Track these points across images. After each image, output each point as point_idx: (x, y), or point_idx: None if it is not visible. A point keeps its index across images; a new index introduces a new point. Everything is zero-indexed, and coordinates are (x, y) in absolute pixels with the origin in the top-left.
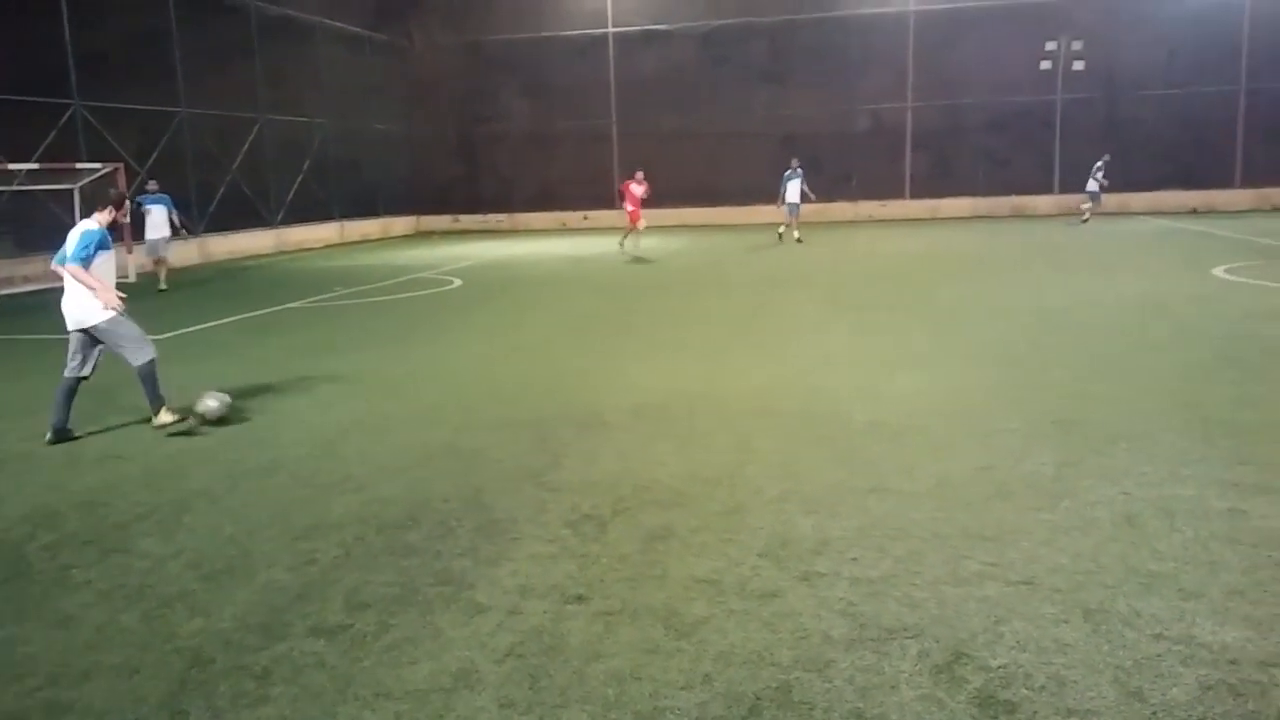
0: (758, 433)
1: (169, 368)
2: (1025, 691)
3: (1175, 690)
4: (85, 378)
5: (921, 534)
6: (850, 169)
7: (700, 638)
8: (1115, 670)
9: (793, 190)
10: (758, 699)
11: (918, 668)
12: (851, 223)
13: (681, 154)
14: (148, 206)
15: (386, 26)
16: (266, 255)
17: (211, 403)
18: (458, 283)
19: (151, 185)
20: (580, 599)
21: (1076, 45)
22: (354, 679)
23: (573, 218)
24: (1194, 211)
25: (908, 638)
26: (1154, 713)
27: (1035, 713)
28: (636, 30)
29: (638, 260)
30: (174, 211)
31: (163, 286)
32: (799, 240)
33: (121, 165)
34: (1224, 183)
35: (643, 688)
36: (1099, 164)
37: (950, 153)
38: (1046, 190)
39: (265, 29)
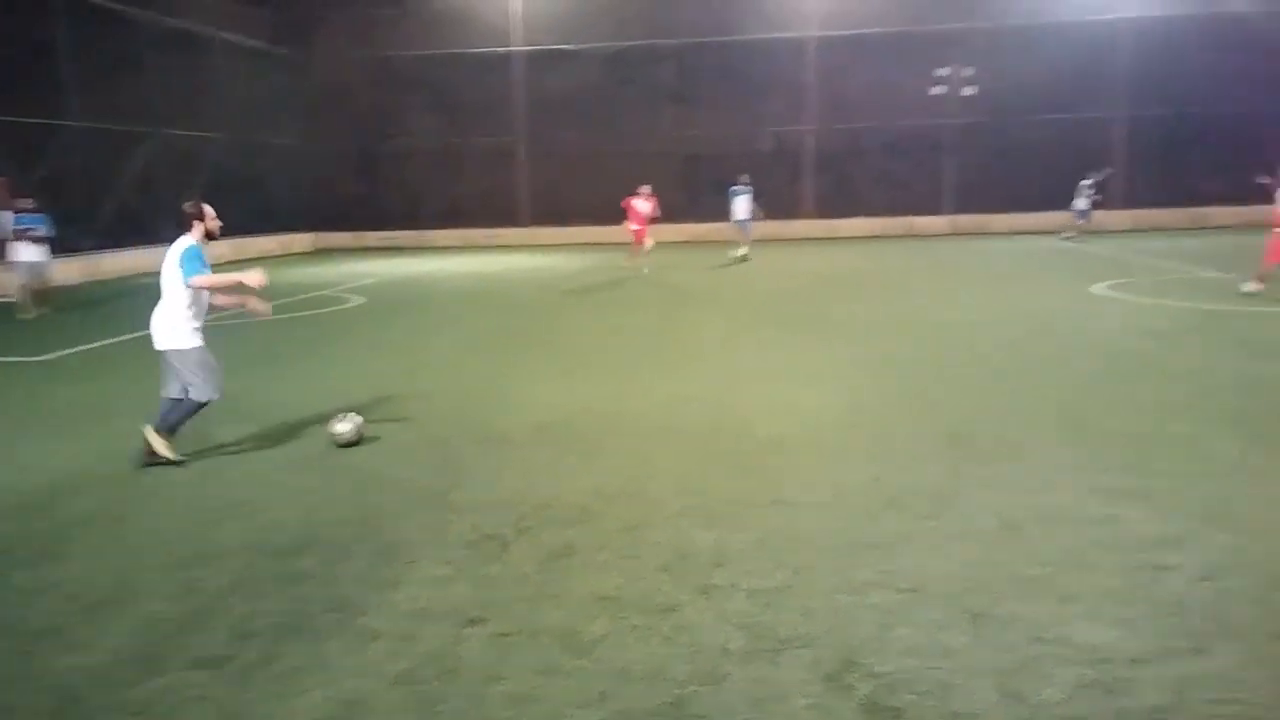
0: (661, 449)
1: (52, 388)
2: (911, 696)
3: (1051, 690)
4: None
5: (817, 544)
6: (756, 189)
7: (599, 655)
8: (996, 673)
9: (741, 206)
10: (652, 715)
11: (809, 677)
12: (756, 241)
13: (590, 173)
14: (22, 226)
15: (287, 40)
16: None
17: (344, 426)
18: (359, 300)
19: (27, 203)
20: (478, 621)
21: (967, 72)
22: (238, 712)
23: (479, 235)
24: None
25: (801, 647)
26: (1032, 713)
27: (920, 717)
28: (544, 49)
29: (582, 283)
30: (47, 229)
31: (29, 314)
32: (744, 258)
33: (4, 180)
34: (1104, 204)
35: (540, 709)
36: (1086, 182)
37: (849, 174)
38: (937, 211)
39: (160, 41)
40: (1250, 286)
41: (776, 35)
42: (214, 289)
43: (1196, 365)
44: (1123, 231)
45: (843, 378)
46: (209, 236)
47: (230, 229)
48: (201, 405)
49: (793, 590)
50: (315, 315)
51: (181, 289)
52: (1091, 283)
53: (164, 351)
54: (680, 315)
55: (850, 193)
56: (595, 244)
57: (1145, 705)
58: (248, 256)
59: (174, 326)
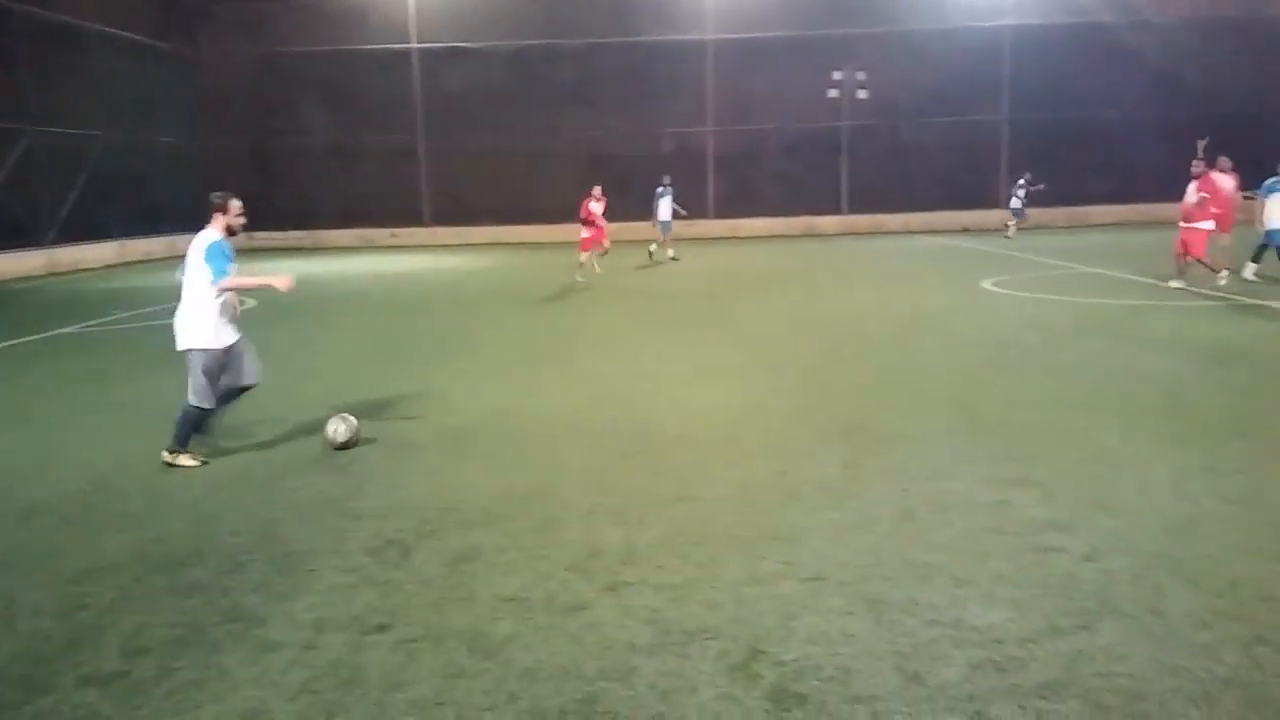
0: (570, 448)
1: None
2: (815, 683)
3: (948, 671)
4: (247, 387)
5: (723, 538)
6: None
7: (506, 657)
8: (896, 656)
9: (664, 208)
10: (562, 713)
11: (717, 668)
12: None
13: (491, 172)
14: None
15: (172, 35)
16: (37, 277)
17: (340, 426)
18: (250, 303)
19: None
20: (381, 628)
21: (860, 75)
22: None
23: (379, 235)
24: (966, 230)
25: (708, 639)
26: (930, 694)
27: (824, 703)
28: (442, 47)
29: (469, 278)
30: None
31: None
32: (674, 258)
33: None
34: (991, 203)
35: (446, 713)
36: (1020, 181)
37: (749, 175)
38: (835, 211)
39: (34, 35)
40: (1222, 280)
41: (676, 37)
42: (241, 290)
43: (1080, 358)
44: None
45: (748, 374)
46: (229, 232)
47: (111, 231)
48: (202, 410)
49: (700, 584)
50: None
51: (208, 288)
52: (981, 279)
53: (184, 352)
54: (589, 314)
55: (751, 193)
56: (499, 244)
57: (1037, 682)
58: (131, 260)
59: (197, 324)
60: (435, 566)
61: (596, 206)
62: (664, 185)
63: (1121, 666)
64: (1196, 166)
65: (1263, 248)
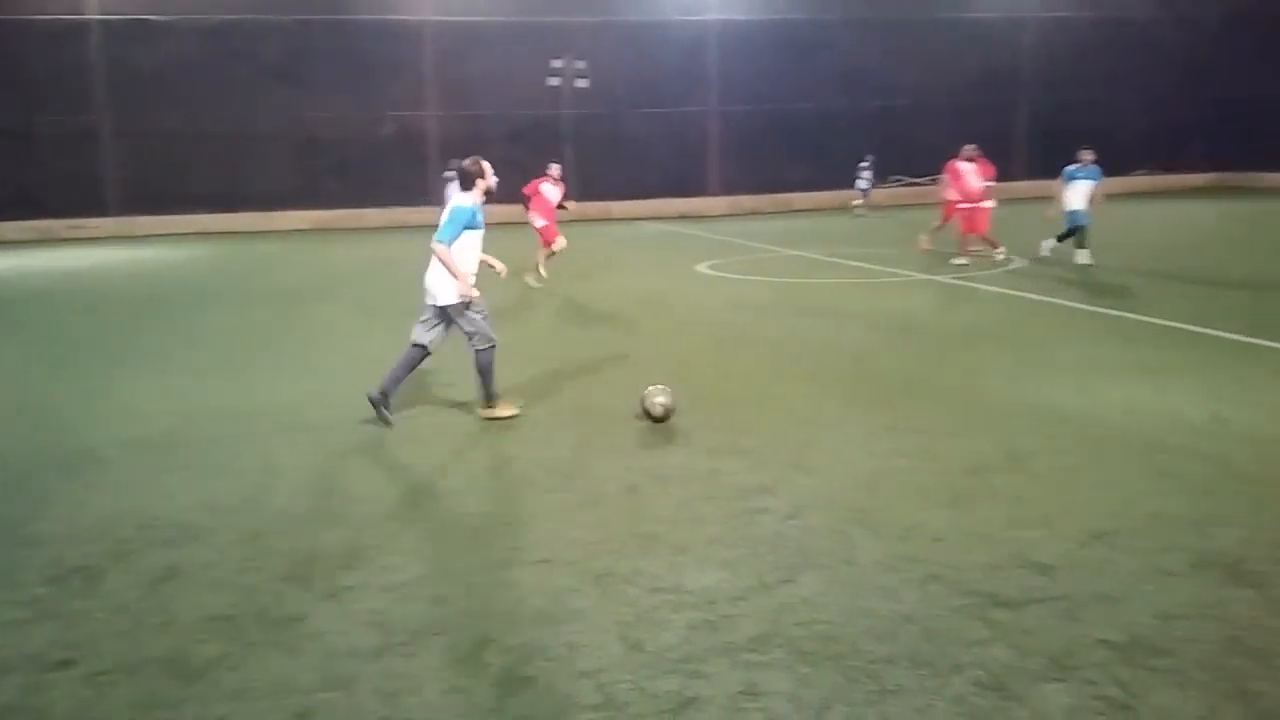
0: (284, 450)
1: None
2: (543, 664)
3: (667, 635)
4: (428, 350)
5: (452, 531)
6: (378, 177)
7: (212, 679)
8: (620, 627)
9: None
10: None
11: (444, 662)
12: (379, 230)
13: (190, 157)
14: None
15: None
16: None
17: (663, 399)
18: None
19: None
20: (65, 664)
21: (580, 64)
22: None
23: (58, 226)
24: (682, 217)
25: (435, 635)
26: (651, 659)
27: (551, 682)
28: (128, 19)
29: (161, 274)
30: None
31: None
32: None
33: None
34: (704, 191)
35: None
36: (863, 163)
37: None
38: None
39: None
40: (999, 254)
41: (390, 17)
42: (445, 266)
43: (783, 333)
44: (720, 216)
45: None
46: (488, 194)
47: None
48: (491, 349)
49: (427, 580)
50: None
51: (438, 247)
52: (696, 263)
53: (443, 307)
54: (302, 308)
55: None
56: (204, 234)
57: (747, 636)
58: None
59: (443, 281)
60: (130, 591)
61: (551, 190)
62: (451, 169)
63: (820, 614)
64: (966, 152)
65: (1071, 230)
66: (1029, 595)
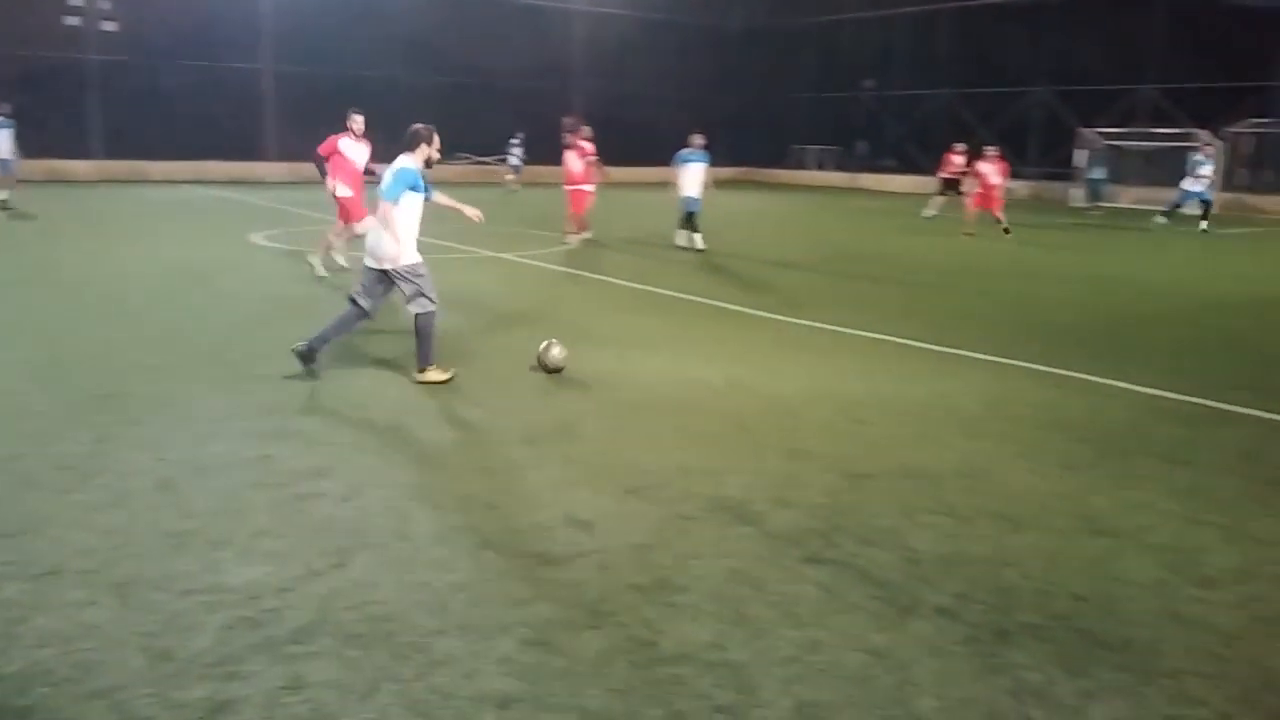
0: None
1: None
2: (44, 689)
3: (200, 639)
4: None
5: None
6: None
7: None
8: (143, 637)
9: (3, 143)
10: None
11: None
12: None
13: None
14: None
15: None
16: None
17: (557, 351)
18: None
19: None
20: None
21: (104, 4)
22: None
23: None
24: (236, 182)
25: None
26: (180, 668)
27: (56, 708)
28: None
29: None
30: None
31: None
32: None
33: None
34: (262, 155)
35: None
36: (514, 140)
37: None
38: (85, 155)
39: None
40: (571, 240)
41: None
42: (385, 226)
43: (339, 306)
44: (279, 183)
45: None
46: (427, 164)
47: None
48: (431, 314)
49: None
50: None
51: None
52: (248, 232)
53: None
54: None
55: None
56: None
57: (292, 628)
58: None
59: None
60: None
61: (355, 149)
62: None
63: (372, 595)
64: (572, 135)
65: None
66: (572, 551)
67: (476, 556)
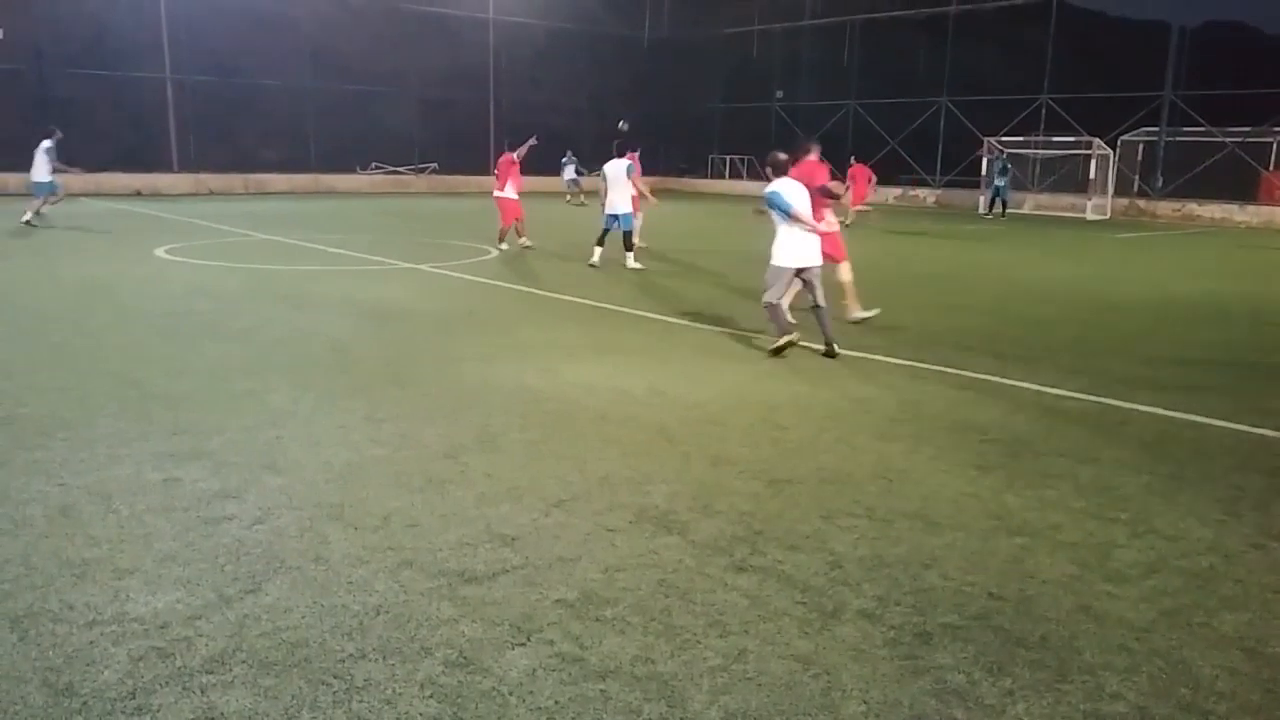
0: None
1: None
2: None
3: (106, 672)
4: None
5: None
6: None
7: None
8: (44, 673)
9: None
10: None
11: None
12: None
13: None
14: None
15: None
16: None
17: None
18: None
19: None
20: None
21: None
22: None
23: None
24: (138, 194)
25: None
26: (85, 703)
27: None
28: None
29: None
30: None
31: None
32: None
33: None
34: (165, 167)
35: None
36: (565, 159)
37: None
38: None
39: None
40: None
41: None
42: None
43: (253, 323)
44: (183, 195)
45: None
46: None
47: None
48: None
49: None
50: None
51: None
52: (154, 247)
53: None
54: None
55: None
56: None
57: (204, 657)
58: None
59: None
60: None
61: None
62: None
63: (286, 620)
64: (517, 152)
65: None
66: (496, 568)
67: (396, 576)
